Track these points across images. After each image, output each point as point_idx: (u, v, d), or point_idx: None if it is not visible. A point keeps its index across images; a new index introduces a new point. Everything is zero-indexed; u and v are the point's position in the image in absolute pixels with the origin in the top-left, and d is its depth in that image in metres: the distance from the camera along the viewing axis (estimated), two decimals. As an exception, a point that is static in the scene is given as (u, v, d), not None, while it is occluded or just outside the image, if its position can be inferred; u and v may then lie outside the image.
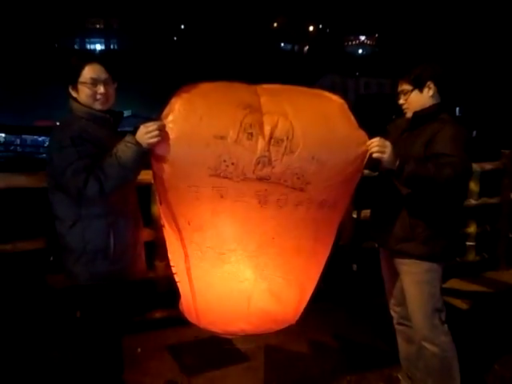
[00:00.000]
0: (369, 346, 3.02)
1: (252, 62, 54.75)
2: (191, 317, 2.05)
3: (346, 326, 3.32)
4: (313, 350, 3.00)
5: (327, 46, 68.09)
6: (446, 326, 2.20)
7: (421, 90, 2.16)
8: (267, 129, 1.76)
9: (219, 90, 1.94)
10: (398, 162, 1.92)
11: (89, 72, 1.88)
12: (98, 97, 1.89)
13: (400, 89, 2.23)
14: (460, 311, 3.55)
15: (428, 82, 2.16)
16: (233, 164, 1.74)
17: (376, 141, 1.89)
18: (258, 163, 1.75)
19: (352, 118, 1.95)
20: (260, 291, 1.94)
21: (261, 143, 1.75)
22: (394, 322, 2.47)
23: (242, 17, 63.48)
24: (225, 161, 1.73)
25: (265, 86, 2.02)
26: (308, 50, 73.60)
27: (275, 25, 73.41)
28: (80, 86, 1.89)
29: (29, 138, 31.35)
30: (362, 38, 74.26)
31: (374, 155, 1.89)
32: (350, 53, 71.12)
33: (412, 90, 2.17)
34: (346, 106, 1.98)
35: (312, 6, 69.14)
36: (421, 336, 2.20)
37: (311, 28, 75.34)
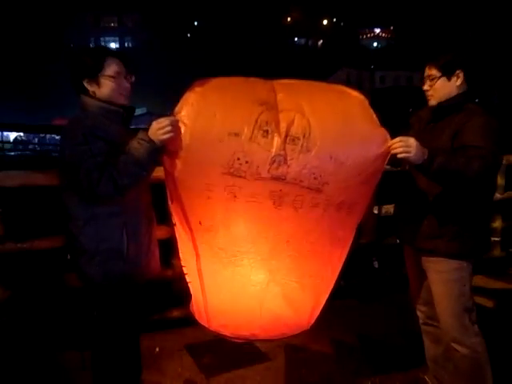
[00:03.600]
0: (393, 345, 2.94)
1: (266, 58, 54.56)
2: (202, 319, 1.99)
3: (370, 325, 3.24)
4: (335, 350, 2.94)
5: (342, 40, 67.43)
6: (476, 326, 2.11)
7: (449, 78, 2.07)
8: (283, 126, 1.69)
9: (235, 85, 1.88)
10: (426, 156, 1.82)
11: (113, 66, 1.86)
12: (124, 91, 1.89)
13: (427, 74, 2.13)
14: (485, 309, 3.44)
15: (457, 71, 2.07)
16: (247, 162, 1.67)
17: (398, 141, 1.79)
18: (273, 162, 1.67)
19: (373, 115, 1.86)
20: (273, 296, 1.87)
21: (276, 141, 1.67)
22: (420, 321, 2.39)
23: (255, 12, 63.27)
24: (238, 159, 1.66)
25: (282, 81, 1.95)
26: (322, 44, 73.01)
27: (288, 20, 72.97)
28: (103, 80, 1.85)
29: (47, 136, 31.77)
30: (377, 30, 73.26)
31: (400, 156, 1.79)
32: (364, 46, 70.32)
33: (440, 77, 2.07)
34: (366, 103, 1.89)
35: (325, -1, 68.62)
36: (450, 337, 2.11)
37: (325, 22, 74.65)
